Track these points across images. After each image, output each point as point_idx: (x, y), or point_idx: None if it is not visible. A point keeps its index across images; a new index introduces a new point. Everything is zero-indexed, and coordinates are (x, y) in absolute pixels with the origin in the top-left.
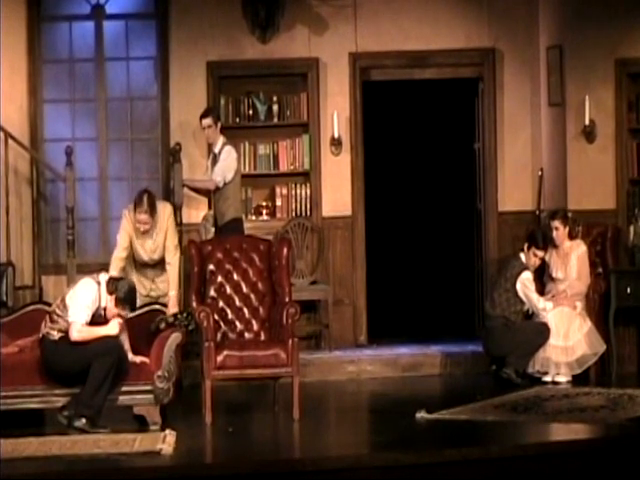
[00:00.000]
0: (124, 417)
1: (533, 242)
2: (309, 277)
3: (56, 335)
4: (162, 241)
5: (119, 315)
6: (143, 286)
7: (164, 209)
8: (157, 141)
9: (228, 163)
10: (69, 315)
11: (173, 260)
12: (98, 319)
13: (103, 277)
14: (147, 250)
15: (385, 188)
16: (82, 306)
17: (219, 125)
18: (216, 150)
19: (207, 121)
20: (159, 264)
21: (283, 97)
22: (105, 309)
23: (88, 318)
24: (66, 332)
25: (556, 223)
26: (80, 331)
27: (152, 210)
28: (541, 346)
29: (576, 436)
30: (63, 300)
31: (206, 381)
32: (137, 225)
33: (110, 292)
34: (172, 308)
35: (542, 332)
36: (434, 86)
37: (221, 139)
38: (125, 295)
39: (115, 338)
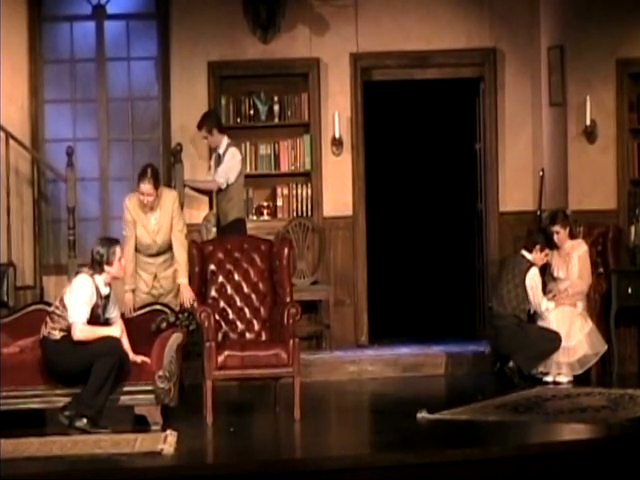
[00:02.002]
0: (125, 417)
1: (543, 243)
2: (310, 277)
3: (58, 335)
4: (166, 223)
5: (119, 261)
6: (144, 282)
7: (170, 193)
8: (158, 141)
9: (232, 165)
10: (69, 315)
11: (180, 244)
12: (97, 319)
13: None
14: (150, 230)
15: (386, 188)
16: (80, 303)
17: (214, 131)
18: (220, 151)
19: (202, 133)
20: (162, 256)
21: (284, 97)
22: (111, 283)
23: (88, 314)
24: (67, 331)
25: (556, 228)
26: (82, 330)
27: (156, 181)
28: (551, 353)
29: (577, 436)
30: (62, 300)
31: (207, 381)
32: (141, 197)
33: (102, 270)
34: (186, 294)
35: (554, 340)
36: (435, 86)
37: (225, 140)
38: (103, 248)
39: (117, 340)
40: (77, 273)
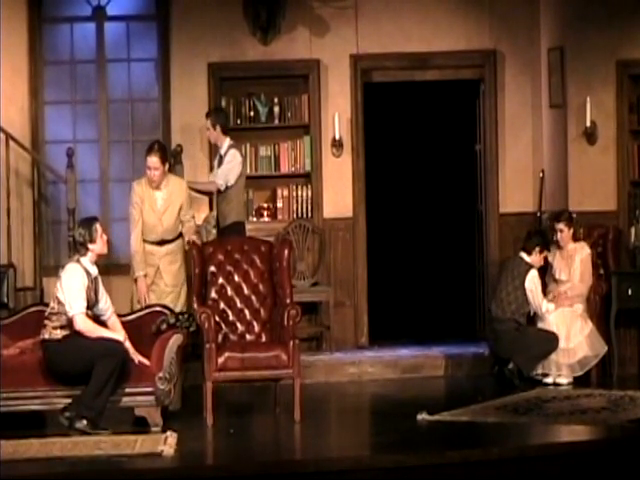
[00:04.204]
0: (125, 419)
1: (543, 245)
2: (310, 279)
3: (59, 334)
4: (173, 206)
5: (101, 237)
6: (147, 275)
7: (178, 180)
8: None
9: (231, 167)
10: (67, 310)
11: (189, 222)
12: (91, 304)
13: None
14: (156, 210)
15: (386, 190)
16: (75, 293)
17: (218, 128)
18: (222, 152)
19: (206, 123)
20: (165, 246)
21: (284, 99)
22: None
23: (85, 302)
24: (69, 326)
25: (561, 225)
26: (85, 321)
27: (163, 155)
28: (550, 353)
29: (577, 438)
30: (56, 298)
31: (207, 383)
32: (148, 172)
33: (86, 250)
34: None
35: (551, 340)
36: (435, 88)
37: (227, 141)
38: (84, 228)
39: (119, 342)
40: (63, 266)
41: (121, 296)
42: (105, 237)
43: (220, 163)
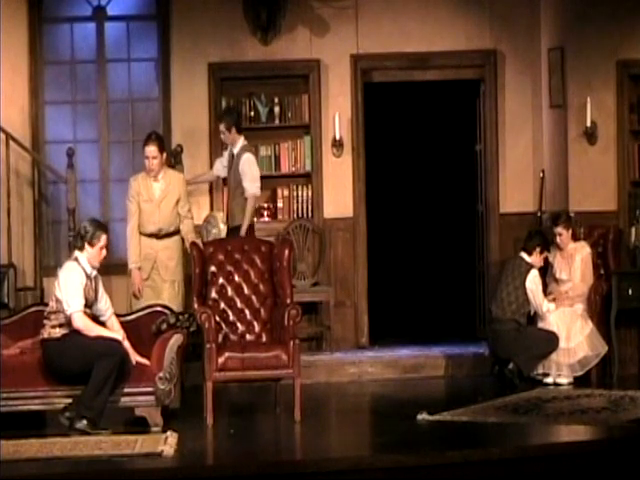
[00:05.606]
0: (125, 418)
1: (544, 246)
2: (310, 279)
3: (58, 332)
4: (171, 195)
5: (100, 249)
6: (143, 269)
7: (176, 174)
8: None
9: (253, 172)
10: (65, 308)
11: (187, 218)
12: (90, 304)
13: (79, 253)
14: (154, 200)
15: (386, 190)
16: (73, 290)
17: (233, 130)
18: (235, 151)
19: (220, 127)
20: (163, 241)
21: (284, 99)
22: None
23: (83, 300)
24: (68, 325)
25: (559, 229)
26: (83, 319)
27: (160, 144)
28: (550, 353)
29: (577, 438)
30: (55, 296)
31: (207, 383)
32: (146, 162)
33: (83, 247)
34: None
35: (552, 340)
36: (435, 88)
37: (240, 141)
38: (91, 227)
39: (118, 341)
40: (62, 265)
41: (121, 296)
42: (104, 252)
43: (232, 161)
